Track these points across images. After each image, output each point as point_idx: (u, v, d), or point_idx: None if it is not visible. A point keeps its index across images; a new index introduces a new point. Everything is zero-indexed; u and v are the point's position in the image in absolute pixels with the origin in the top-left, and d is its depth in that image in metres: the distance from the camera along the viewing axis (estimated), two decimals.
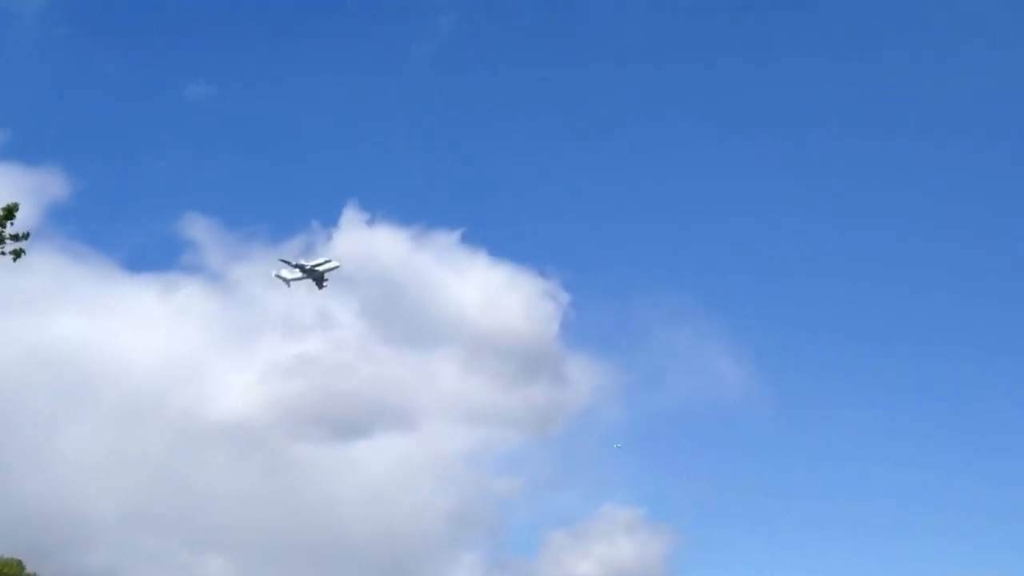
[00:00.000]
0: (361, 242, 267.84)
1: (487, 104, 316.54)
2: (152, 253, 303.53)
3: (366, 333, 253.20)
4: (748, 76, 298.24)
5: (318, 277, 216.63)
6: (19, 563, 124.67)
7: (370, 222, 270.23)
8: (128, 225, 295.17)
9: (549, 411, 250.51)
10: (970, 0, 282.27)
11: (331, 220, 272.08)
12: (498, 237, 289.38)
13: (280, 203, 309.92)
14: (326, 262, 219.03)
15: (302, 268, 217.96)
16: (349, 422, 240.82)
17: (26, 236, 63.43)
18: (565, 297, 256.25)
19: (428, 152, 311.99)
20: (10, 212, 62.81)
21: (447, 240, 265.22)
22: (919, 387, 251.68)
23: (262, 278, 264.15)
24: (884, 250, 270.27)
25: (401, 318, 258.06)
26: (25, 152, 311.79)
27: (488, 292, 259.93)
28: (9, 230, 62.94)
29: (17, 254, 63.20)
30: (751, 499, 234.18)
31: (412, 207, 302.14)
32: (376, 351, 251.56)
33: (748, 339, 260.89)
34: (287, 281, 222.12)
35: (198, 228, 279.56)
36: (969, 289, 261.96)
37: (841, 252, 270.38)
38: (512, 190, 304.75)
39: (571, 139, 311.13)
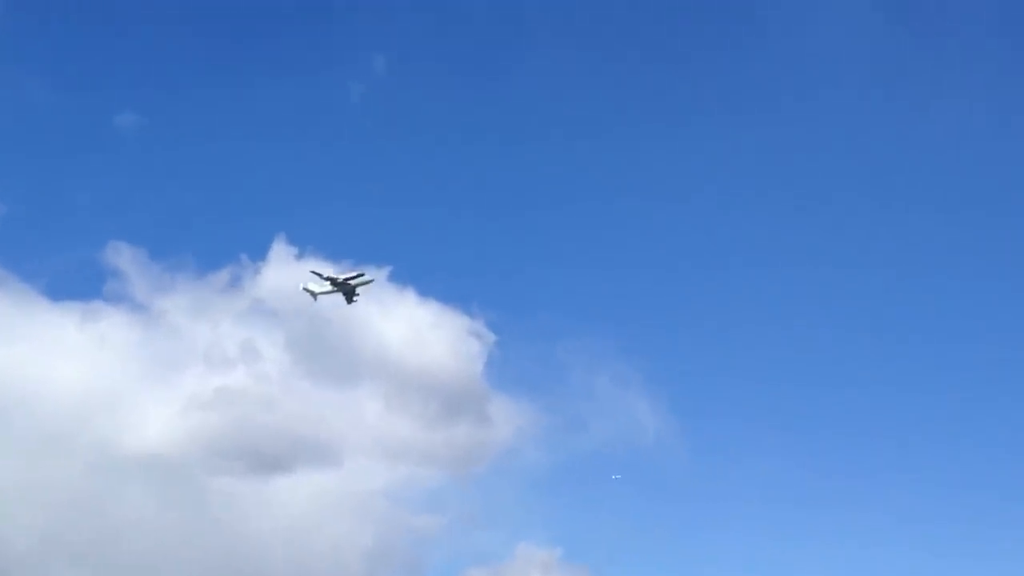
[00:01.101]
0: (289, 276, 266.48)
1: (418, 143, 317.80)
2: (74, 281, 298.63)
3: (290, 368, 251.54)
4: (669, 133, 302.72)
5: (349, 291, 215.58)
6: None
7: (299, 257, 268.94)
8: (50, 252, 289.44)
9: (472, 450, 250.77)
10: None
11: (259, 254, 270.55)
12: (426, 276, 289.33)
13: (208, 235, 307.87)
14: (359, 275, 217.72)
15: (333, 281, 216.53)
16: (271, 457, 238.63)
17: None
18: (491, 337, 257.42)
19: (359, 189, 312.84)
20: None
21: (375, 276, 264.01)
22: (826, 430, 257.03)
23: (186, 309, 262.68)
24: (794, 297, 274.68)
25: (326, 353, 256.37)
26: None
27: (414, 330, 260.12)
28: None
29: None
30: (665, 539, 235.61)
31: (341, 243, 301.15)
32: (300, 386, 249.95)
33: (663, 384, 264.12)
34: (314, 295, 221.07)
35: (123, 257, 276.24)
36: (880, 332, 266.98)
37: (752, 300, 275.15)
38: (442, 230, 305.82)
39: (501, 183, 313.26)
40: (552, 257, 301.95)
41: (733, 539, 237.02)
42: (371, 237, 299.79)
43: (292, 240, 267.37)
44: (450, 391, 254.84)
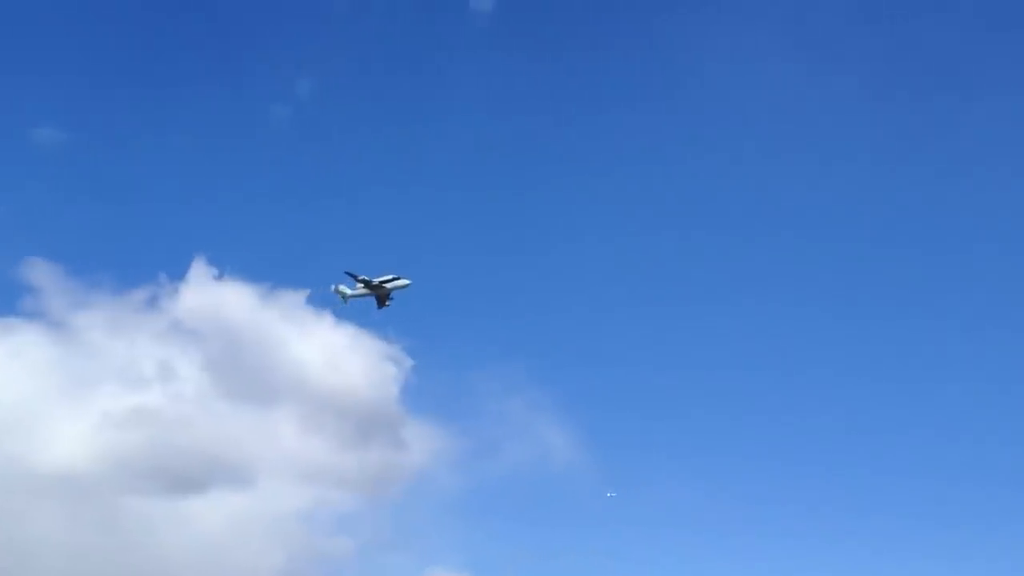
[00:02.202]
0: (207, 297, 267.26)
1: (341, 167, 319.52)
2: None
3: (207, 387, 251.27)
4: (585, 163, 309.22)
5: (383, 295, 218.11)
6: None
7: (218, 277, 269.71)
8: None
9: (385, 473, 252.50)
10: None
11: (178, 273, 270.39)
12: None
13: (127, 253, 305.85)
14: (395, 279, 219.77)
15: (368, 283, 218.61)
16: (185, 477, 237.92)
17: None
18: (407, 362, 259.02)
19: (281, 212, 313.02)
20: None
21: (294, 299, 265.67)
22: (734, 457, 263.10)
23: (103, 327, 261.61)
24: (705, 326, 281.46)
25: (243, 374, 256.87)
26: None
27: (331, 353, 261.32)
28: None
29: None
30: (573, 564, 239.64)
31: (261, 265, 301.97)
32: (216, 406, 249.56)
33: (575, 411, 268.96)
34: (344, 297, 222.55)
35: (40, 273, 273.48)
36: (789, 358, 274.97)
37: (663, 329, 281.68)
38: (361, 254, 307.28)
39: (422, 208, 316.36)
40: (469, 284, 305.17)
41: (641, 565, 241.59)
42: (291, 260, 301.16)
43: (212, 261, 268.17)
44: (365, 415, 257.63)
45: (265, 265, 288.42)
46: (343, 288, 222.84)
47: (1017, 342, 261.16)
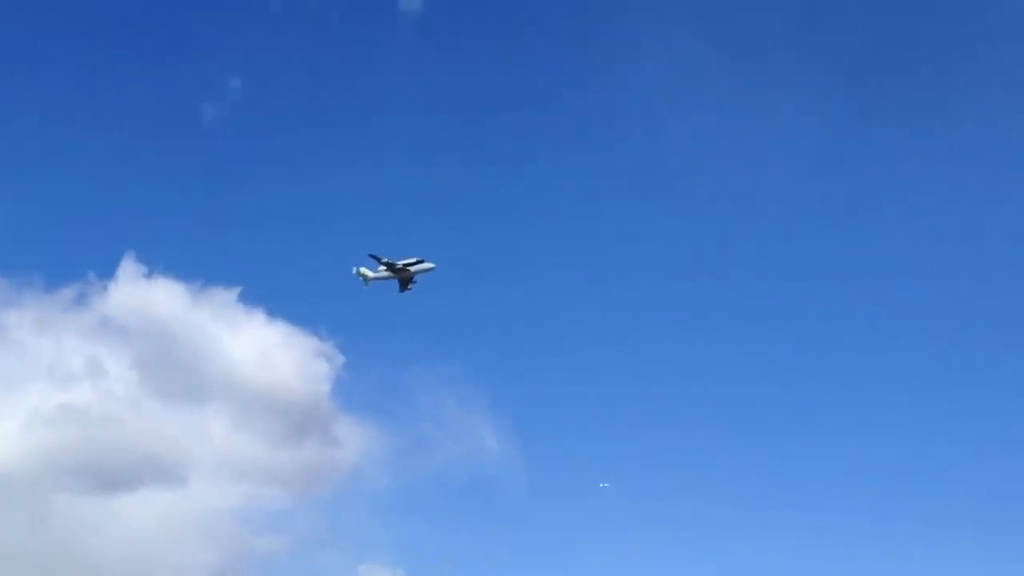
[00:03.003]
0: (137, 295, 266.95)
1: (271, 166, 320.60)
2: None
3: (137, 385, 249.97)
4: (518, 162, 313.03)
5: (407, 278, 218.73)
6: None
7: (147, 275, 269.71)
8: None
9: (318, 471, 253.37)
10: None
11: (107, 272, 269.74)
12: (275, 297, 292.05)
13: (56, 251, 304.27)
14: (419, 262, 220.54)
15: (391, 266, 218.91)
16: (115, 475, 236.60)
17: None
18: (339, 359, 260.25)
19: (210, 210, 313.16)
20: None
21: (225, 297, 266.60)
22: (663, 455, 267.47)
23: (31, 325, 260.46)
24: (638, 321, 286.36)
25: (174, 372, 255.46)
26: None
27: (263, 350, 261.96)
28: None
29: None
30: (505, 559, 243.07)
31: (191, 263, 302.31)
32: (146, 404, 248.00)
33: (507, 409, 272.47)
34: (366, 280, 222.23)
35: None
36: (719, 349, 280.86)
37: (594, 326, 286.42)
38: (292, 251, 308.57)
39: (351, 206, 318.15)
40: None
41: (570, 559, 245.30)
42: (221, 258, 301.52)
43: (141, 259, 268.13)
44: (297, 412, 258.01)
45: (195, 263, 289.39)
46: (365, 270, 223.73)
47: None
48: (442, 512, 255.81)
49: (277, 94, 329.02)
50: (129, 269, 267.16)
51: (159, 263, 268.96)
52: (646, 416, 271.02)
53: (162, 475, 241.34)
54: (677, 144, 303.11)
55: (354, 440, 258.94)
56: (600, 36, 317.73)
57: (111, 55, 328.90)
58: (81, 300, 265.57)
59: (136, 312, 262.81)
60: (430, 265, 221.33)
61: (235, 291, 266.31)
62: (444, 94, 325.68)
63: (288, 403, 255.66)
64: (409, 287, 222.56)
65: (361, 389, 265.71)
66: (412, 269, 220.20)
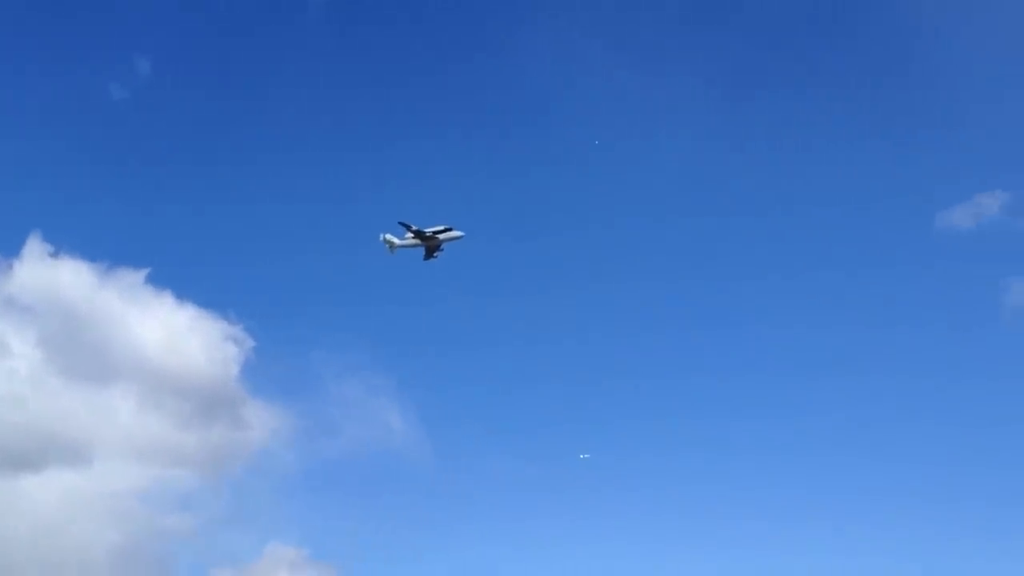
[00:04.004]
0: (42, 274, 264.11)
1: (180, 145, 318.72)
2: None
3: (42, 365, 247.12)
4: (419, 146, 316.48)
5: (434, 246, 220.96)
6: None
7: (54, 255, 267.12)
8: None
9: (225, 452, 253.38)
10: None
11: (12, 251, 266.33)
12: (184, 280, 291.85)
13: None
14: (447, 230, 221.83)
15: (420, 234, 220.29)
16: (19, 455, 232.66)
17: None
18: (248, 342, 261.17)
19: (119, 192, 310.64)
20: None
21: (133, 279, 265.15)
22: (562, 435, 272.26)
23: None
24: (536, 311, 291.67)
25: (80, 352, 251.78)
26: None
27: (171, 332, 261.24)
28: None
29: None
30: (408, 538, 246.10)
31: (99, 244, 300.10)
32: (51, 384, 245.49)
33: (412, 392, 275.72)
34: (392, 247, 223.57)
35: None
36: (612, 335, 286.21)
37: (494, 317, 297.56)
38: (202, 234, 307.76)
39: (261, 189, 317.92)
40: (310, 267, 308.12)
41: (472, 537, 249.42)
42: (130, 239, 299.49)
43: (47, 238, 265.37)
44: (205, 394, 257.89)
45: (103, 244, 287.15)
46: (391, 237, 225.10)
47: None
48: (347, 493, 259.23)
49: (186, 74, 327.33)
50: (35, 249, 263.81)
51: (65, 243, 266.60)
52: (549, 398, 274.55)
53: (67, 455, 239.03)
54: (561, 132, 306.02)
55: (262, 422, 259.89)
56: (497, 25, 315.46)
57: (15, 36, 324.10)
58: None
59: (42, 292, 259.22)
60: (459, 233, 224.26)
61: (143, 272, 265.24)
62: (351, 73, 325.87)
63: (196, 385, 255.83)
64: (435, 255, 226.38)
65: (269, 372, 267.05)
66: (441, 237, 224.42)
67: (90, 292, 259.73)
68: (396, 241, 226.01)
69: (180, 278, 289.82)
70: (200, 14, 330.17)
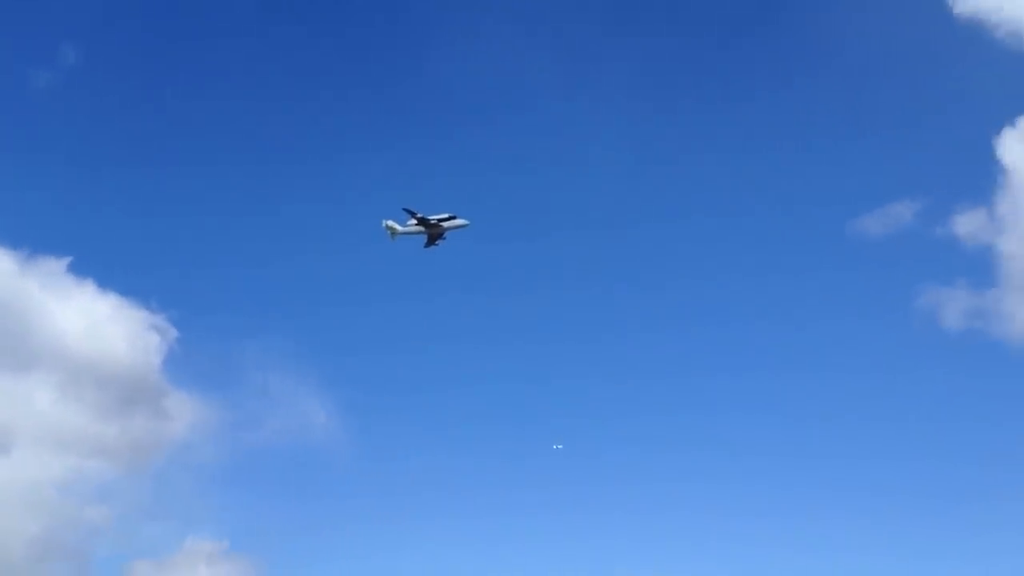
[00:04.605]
0: None
1: (105, 135, 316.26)
2: None
3: None
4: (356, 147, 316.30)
5: (437, 234, 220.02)
6: None
7: None
8: None
9: (146, 443, 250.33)
10: None
11: None
12: (107, 268, 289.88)
13: None
14: (452, 218, 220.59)
15: (424, 221, 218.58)
16: None
17: None
18: (172, 333, 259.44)
19: (40, 179, 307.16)
20: None
21: (54, 267, 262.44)
22: (489, 429, 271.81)
23: None
24: (463, 311, 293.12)
25: None
26: None
27: (93, 321, 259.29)
28: None
29: None
30: (330, 531, 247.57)
31: (20, 231, 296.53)
32: None
33: (336, 385, 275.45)
34: (393, 234, 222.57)
35: None
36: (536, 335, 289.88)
37: (419, 313, 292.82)
38: (125, 223, 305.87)
39: (187, 178, 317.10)
40: (235, 256, 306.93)
41: (395, 531, 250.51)
42: (51, 227, 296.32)
43: None
44: (126, 384, 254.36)
45: (24, 232, 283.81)
46: (393, 224, 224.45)
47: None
48: (269, 485, 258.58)
49: (116, 61, 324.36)
50: None
51: None
52: (482, 395, 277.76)
53: None
54: (483, 143, 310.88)
55: (184, 413, 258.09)
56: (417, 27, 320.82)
57: None
58: None
59: None
60: (463, 222, 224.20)
61: (65, 261, 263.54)
62: (283, 70, 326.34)
63: (117, 375, 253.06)
64: (437, 243, 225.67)
65: (192, 362, 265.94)
66: (445, 225, 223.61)
67: (10, 280, 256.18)
68: (399, 228, 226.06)
69: (103, 267, 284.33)
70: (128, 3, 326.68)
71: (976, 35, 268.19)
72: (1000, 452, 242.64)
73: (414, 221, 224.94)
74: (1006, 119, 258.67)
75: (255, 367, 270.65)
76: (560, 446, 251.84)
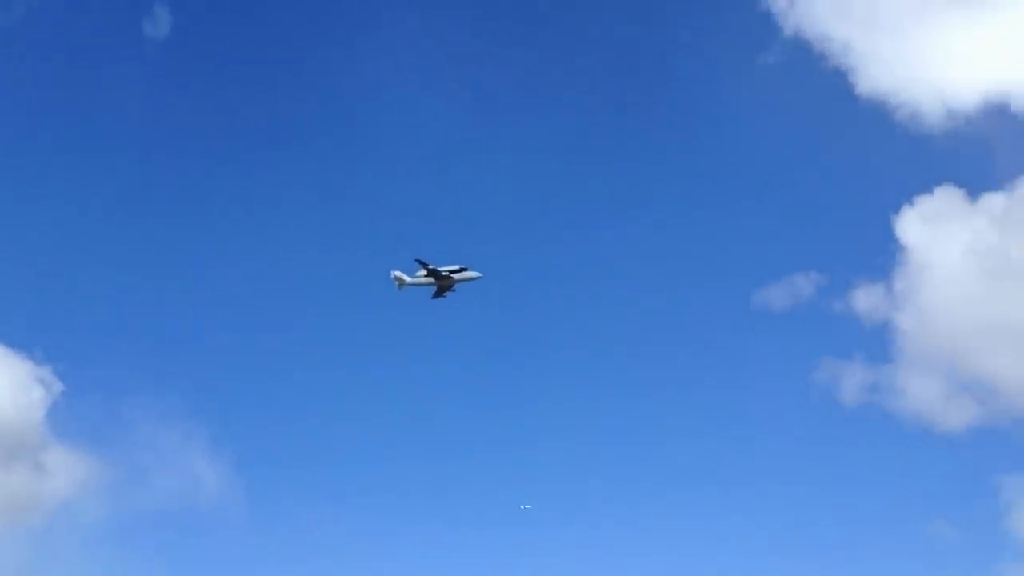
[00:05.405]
0: None
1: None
2: None
3: None
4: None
5: (447, 286, 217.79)
6: None
7: None
8: None
9: (26, 500, 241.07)
10: None
11: None
12: None
13: None
14: (463, 270, 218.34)
15: (435, 273, 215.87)
16: None
17: None
18: (57, 386, 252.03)
19: None
20: None
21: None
22: (381, 490, 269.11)
23: None
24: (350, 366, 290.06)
25: None
26: None
27: None
28: None
29: None
30: None
31: None
32: None
33: (228, 444, 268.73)
34: (401, 284, 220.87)
35: None
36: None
37: (307, 369, 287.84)
38: (10, 270, 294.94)
39: (77, 228, 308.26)
40: (125, 310, 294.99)
41: None
42: None
43: None
44: (5, 437, 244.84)
45: None
46: (400, 274, 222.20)
47: None
48: (156, 546, 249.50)
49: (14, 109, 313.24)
50: None
51: None
52: (368, 449, 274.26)
53: None
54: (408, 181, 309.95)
55: (67, 470, 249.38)
56: (345, 73, 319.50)
57: None
58: None
59: None
60: (476, 274, 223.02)
61: None
62: (183, 123, 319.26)
63: None
64: (445, 295, 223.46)
65: (78, 417, 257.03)
66: (456, 277, 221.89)
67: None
68: (407, 279, 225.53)
69: None
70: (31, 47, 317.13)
71: (878, 115, 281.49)
72: (890, 523, 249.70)
73: (424, 272, 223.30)
74: (905, 198, 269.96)
75: (143, 423, 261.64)
76: (528, 505, 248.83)
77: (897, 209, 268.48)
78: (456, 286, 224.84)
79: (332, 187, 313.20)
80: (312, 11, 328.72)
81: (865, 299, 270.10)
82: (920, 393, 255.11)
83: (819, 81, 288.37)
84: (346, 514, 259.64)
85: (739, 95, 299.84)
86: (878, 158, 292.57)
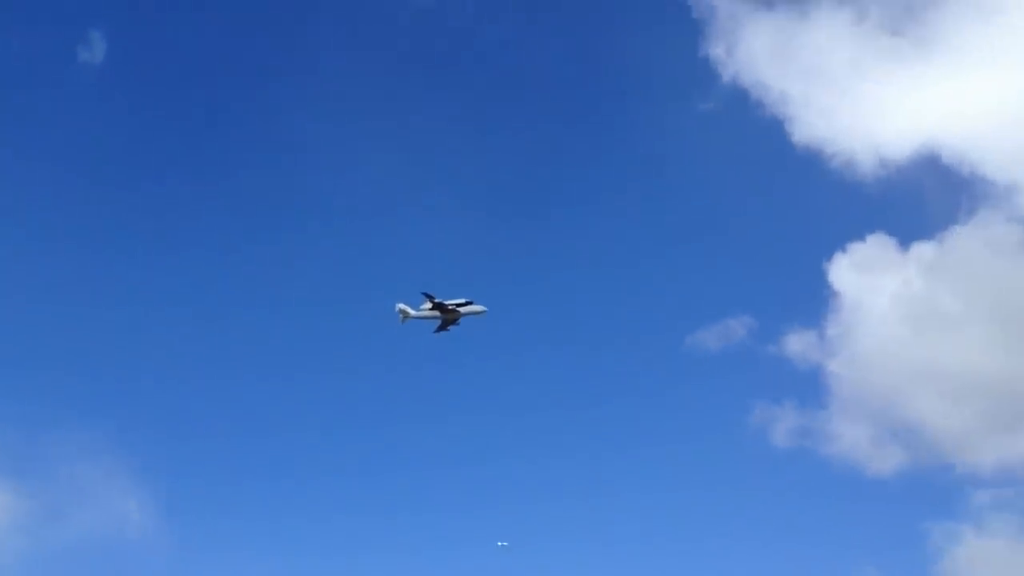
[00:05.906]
0: None
1: None
2: None
3: None
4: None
5: (452, 319, 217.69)
6: None
7: None
8: None
9: None
10: None
11: None
12: None
13: None
14: (468, 303, 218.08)
15: (441, 307, 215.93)
16: None
17: None
18: None
19: None
20: None
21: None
22: (313, 527, 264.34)
23: None
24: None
25: None
26: None
27: None
28: None
29: None
30: None
31: None
32: None
33: (152, 478, 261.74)
34: (405, 317, 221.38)
35: None
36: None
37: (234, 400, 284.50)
38: None
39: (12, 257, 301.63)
40: (44, 335, 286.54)
41: None
42: None
43: None
44: None
45: None
46: (404, 307, 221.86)
47: None
48: None
49: None
50: None
51: None
52: (303, 489, 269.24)
53: None
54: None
55: None
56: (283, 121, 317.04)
57: None
58: None
59: None
60: (481, 308, 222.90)
61: None
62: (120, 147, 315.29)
63: None
64: (448, 328, 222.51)
65: None
66: (462, 311, 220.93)
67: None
68: (411, 312, 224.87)
69: None
70: None
71: (813, 163, 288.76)
72: (820, 570, 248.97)
73: (429, 305, 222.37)
74: (838, 245, 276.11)
75: (65, 457, 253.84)
76: (505, 543, 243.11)
77: (830, 256, 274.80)
78: (460, 320, 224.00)
79: (253, 217, 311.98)
80: (250, 40, 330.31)
81: (797, 344, 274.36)
82: (850, 438, 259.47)
83: (756, 129, 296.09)
84: (279, 555, 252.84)
85: (677, 141, 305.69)
86: (812, 205, 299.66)
